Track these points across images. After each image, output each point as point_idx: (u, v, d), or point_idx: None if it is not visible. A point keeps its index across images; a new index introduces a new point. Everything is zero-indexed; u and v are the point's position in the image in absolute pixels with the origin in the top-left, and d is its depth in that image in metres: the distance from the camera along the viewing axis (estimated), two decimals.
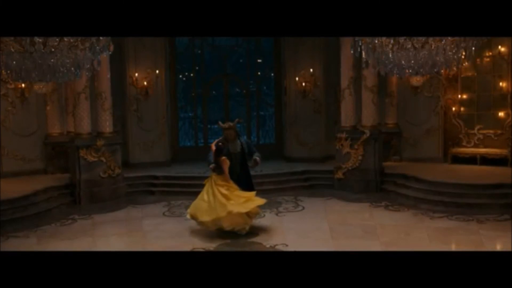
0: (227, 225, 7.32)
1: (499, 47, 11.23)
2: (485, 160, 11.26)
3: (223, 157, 7.54)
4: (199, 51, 13.96)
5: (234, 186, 7.53)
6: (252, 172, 8.27)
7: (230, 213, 7.19)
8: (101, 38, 5.36)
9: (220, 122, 8.23)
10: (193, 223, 7.79)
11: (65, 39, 5.21)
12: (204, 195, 7.55)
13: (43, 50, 5.21)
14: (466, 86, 11.92)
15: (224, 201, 7.28)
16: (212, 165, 7.62)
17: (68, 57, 5.47)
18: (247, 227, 7.47)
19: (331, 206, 9.59)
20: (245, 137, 8.50)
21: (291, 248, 6.84)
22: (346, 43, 10.00)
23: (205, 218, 7.38)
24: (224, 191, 7.38)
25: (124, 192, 10.68)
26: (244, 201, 7.39)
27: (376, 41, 5.61)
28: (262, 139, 14.42)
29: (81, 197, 10.13)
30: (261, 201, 7.55)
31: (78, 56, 5.52)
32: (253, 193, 7.60)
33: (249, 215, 7.49)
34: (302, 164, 12.23)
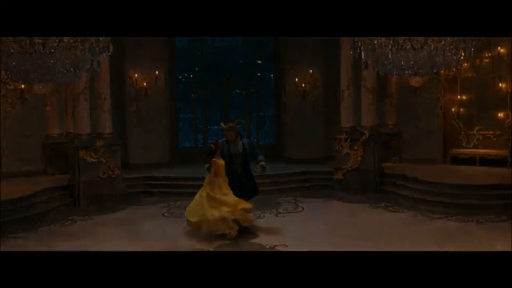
0: (204, 228, 7.32)
1: (499, 48, 11.24)
2: (485, 161, 11.27)
3: (214, 158, 7.55)
4: (199, 52, 13.96)
5: (224, 187, 7.50)
6: (252, 173, 8.26)
7: (207, 219, 7.20)
8: (100, 38, 5.36)
9: (221, 123, 8.23)
10: None
11: (65, 39, 5.20)
12: (197, 194, 7.60)
13: (42, 51, 5.19)
14: (465, 87, 11.92)
15: (206, 205, 7.28)
16: (207, 165, 7.68)
17: (68, 57, 5.46)
18: (233, 232, 7.28)
19: (330, 207, 9.59)
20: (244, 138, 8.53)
21: (291, 248, 6.82)
22: (346, 44, 10.01)
23: (191, 218, 7.43)
24: (210, 192, 7.38)
25: (123, 193, 10.66)
26: (219, 204, 7.29)
27: (376, 42, 5.61)
28: (262, 140, 14.40)
29: (80, 198, 10.11)
30: (237, 204, 7.37)
31: (77, 57, 5.51)
32: (241, 200, 7.49)
33: (238, 221, 7.35)
34: (301, 165, 12.21)
